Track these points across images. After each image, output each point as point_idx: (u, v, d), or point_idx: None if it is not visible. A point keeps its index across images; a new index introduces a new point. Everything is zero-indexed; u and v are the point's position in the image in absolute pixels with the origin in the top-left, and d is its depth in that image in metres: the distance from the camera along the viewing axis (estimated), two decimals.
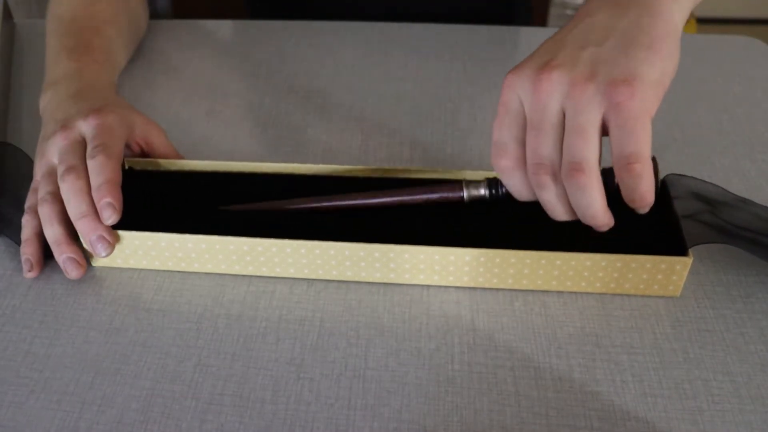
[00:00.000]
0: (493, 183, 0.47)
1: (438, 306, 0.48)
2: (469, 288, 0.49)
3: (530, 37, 0.78)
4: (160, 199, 0.52)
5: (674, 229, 0.48)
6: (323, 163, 0.56)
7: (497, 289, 0.49)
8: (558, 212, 0.44)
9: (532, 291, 0.49)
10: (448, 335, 0.46)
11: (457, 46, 0.75)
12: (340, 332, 0.46)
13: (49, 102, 0.57)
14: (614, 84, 0.39)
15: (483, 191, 0.48)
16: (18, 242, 0.51)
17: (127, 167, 0.55)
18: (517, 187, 0.44)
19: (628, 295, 0.48)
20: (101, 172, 0.48)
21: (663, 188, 0.51)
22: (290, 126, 0.65)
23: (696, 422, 0.41)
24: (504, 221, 0.50)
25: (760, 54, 0.74)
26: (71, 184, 0.48)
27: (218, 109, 0.67)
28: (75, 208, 0.48)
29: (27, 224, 0.50)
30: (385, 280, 0.49)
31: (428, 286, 0.49)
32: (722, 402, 0.42)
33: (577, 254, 0.46)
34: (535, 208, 0.51)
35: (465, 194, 0.48)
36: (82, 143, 0.51)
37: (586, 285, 0.48)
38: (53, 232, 0.49)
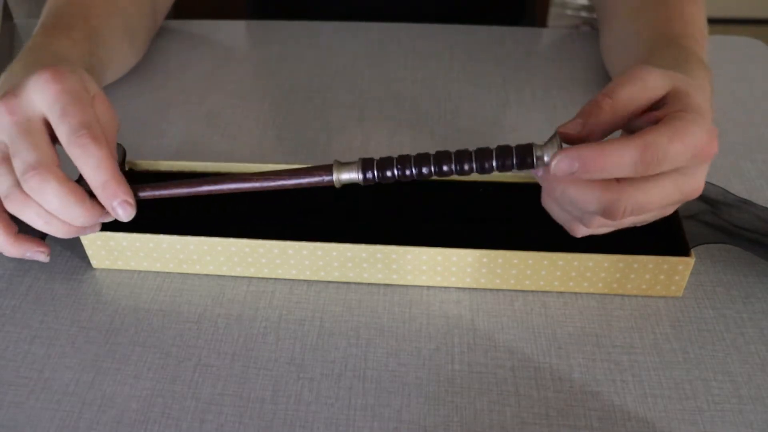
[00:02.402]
0: (368, 165, 0.41)
1: (438, 306, 0.48)
2: (470, 288, 0.49)
3: (530, 37, 0.78)
4: (160, 200, 0.52)
5: (676, 229, 0.48)
6: (323, 163, 0.56)
7: (497, 289, 0.49)
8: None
9: (532, 291, 0.49)
10: (448, 335, 0.46)
11: (457, 46, 0.75)
12: (340, 332, 0.46)
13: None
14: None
15: (357, 175, 0.42)
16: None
17: (127, 168, 0.54)
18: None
19: (629, 295, 0.48)
20: (99, 165, 0.40)
21: None
22: (290, 126, 0.65)
23: (696, 422, 0.41)
24: (506, 222, 0.50)
25: (760, 55, 0.74)
26: (38, 185, 0.40)
27: (218, 110, 0.67)
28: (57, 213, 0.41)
29: None
30: (387, 282, 0.49)
31: (428, 287, 0.49)
32: (722, 402, 0.42)
33: (579, 255, 0.46)
34: (536, 207, 0.51)
35: (335, 177, 0.42)
36: (37, 120, 0.41)
37: (588, 285, 0.48)
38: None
